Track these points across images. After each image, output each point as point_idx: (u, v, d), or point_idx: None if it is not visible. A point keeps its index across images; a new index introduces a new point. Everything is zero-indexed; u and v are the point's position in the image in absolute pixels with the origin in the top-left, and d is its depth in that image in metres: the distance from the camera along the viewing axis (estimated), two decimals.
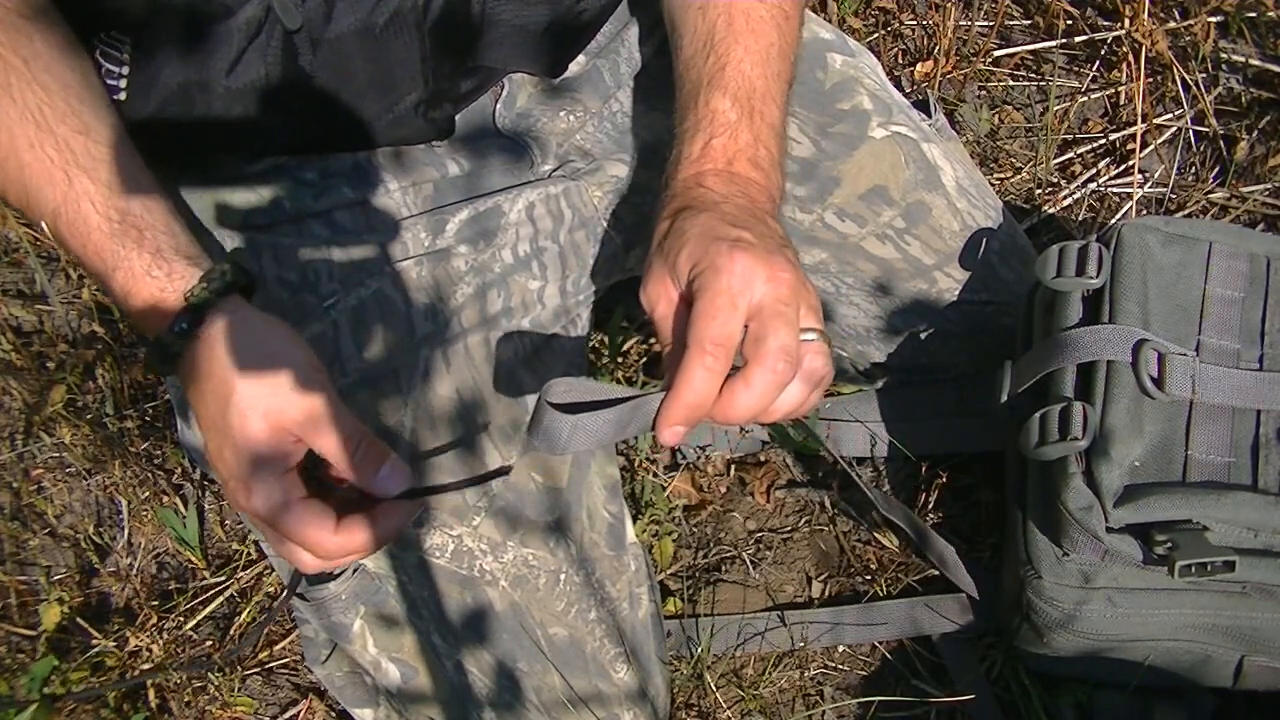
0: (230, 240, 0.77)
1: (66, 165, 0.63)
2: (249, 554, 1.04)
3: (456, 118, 0.80)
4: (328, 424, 0.61)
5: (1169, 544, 0.74)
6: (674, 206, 0.67)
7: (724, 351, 0.59)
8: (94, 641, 0.98)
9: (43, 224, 0.64)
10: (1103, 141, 1.26)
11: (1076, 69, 1.32)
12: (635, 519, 0.99)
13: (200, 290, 0.62)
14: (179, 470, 1.09)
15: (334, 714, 0.96)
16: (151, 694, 0.95)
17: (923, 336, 0.97)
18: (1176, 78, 1.24)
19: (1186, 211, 1.21)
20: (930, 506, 1.01)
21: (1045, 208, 1.22)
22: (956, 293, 0.95)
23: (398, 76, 0.73)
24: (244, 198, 0.77)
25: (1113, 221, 1.20)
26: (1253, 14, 1.27)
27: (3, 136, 0.63)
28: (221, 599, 1.02)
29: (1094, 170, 1.25)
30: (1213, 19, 1.26)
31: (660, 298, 0.64)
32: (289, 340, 0.63)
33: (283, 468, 0.61)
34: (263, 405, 0.60)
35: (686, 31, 0.75)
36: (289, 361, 0.61)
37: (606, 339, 1.09)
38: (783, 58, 0.74)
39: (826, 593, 1.01)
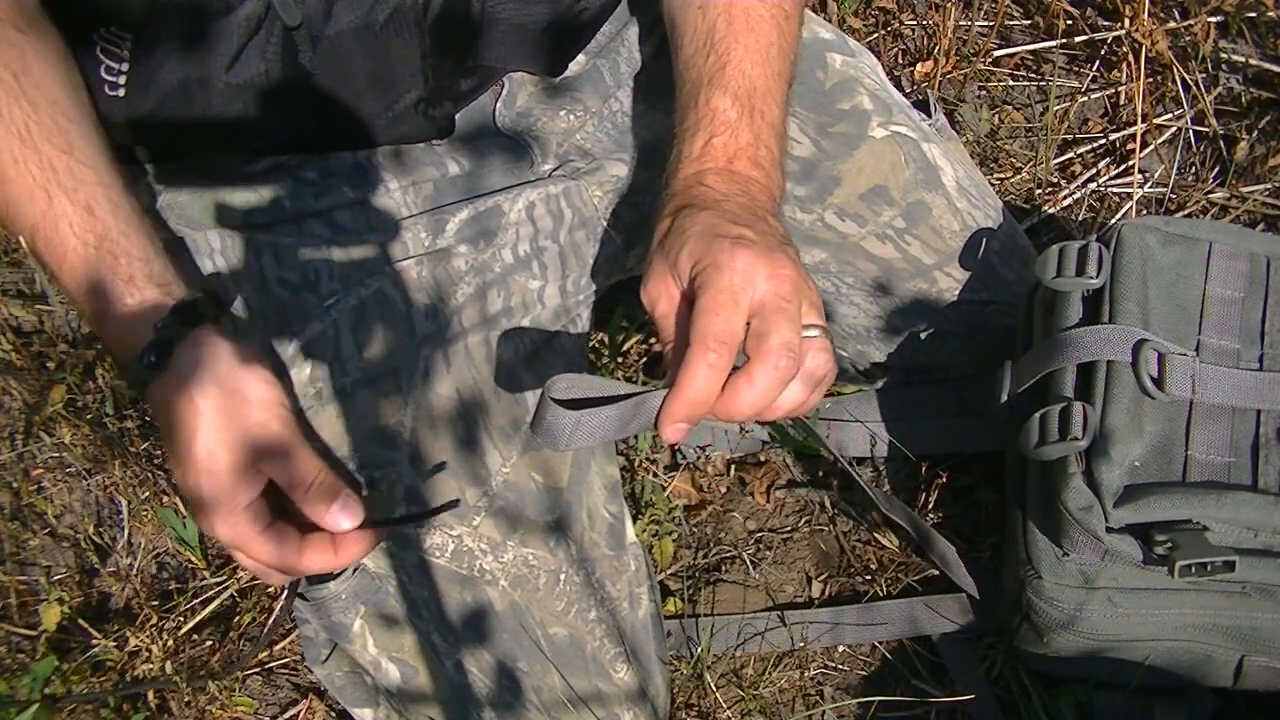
0: (231, 240, 0.77)
1: (48, 184, 0.63)
2: None
3: (456, 117, 0.80)
4: (286, 460, 0.63)
5: (1169, 544, 0.74)
6: (675, 205, 0.67)
7: (727, 348, 0.59)
8: (94, 641, 0.98)
9: (20, 239, 0.64)
10: (1103, 141, 1.26)
11: (1076, 69, 1.32)
12: (635, 519, 0.99)
13: (170, 323, 0.63)
14: None
15: (334, 714, 0.96)
16: (151, 694, 0.95)
17: (923, 336, 0.97)
18: (1176, 78, 1.24)
19: (1186, 211, 1.20)
20: (930, 506, 1.01)
21: (1045, 208, 1.22)
22: (956, 293, 0.95)
23: (398, 74, 0.73)
24: (244, 197, 0.77)
25: (1113, 221, 1.20)
26: (1253, 14, 1.27)
27: None
28: (221, 599, 1.02)
29: (1094, 170, 1.25)
30: (1213, 19, 1.26)
31: (661, 296, 0.64)
32: (254, 375, 0.64)
33: (246, 499, 0.62)
34: (224, 440, 0.62)
35: (686, 31, 0.75)
36: (252, 397, 0.63)
37: (606, 339, 1.09)
38: (783, 57, 0.74)
39: (826, 593, 1.01)
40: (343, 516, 0.64)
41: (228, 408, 0.62)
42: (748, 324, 0.60)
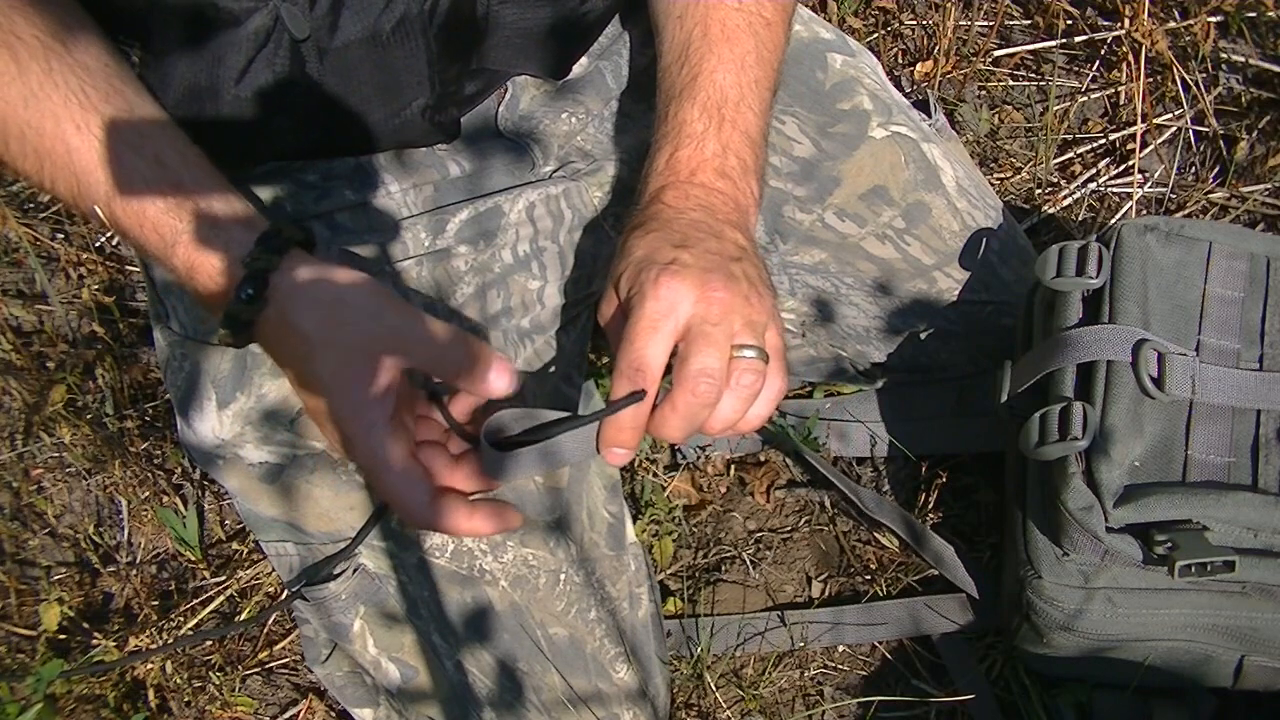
0: None
1: (115, 144, 0.62)
2: (249, 554, 1.04)
3: (461, 120, 0.80)
4: (417, 342, 0.61)
5: (1169, 544, 0.74)
6: (634, 223, 0.68)
7: (641, 375, 0.60)
8: (94, 641, 0.98)
9: (96, 210, 0.63)
10: (1103, 141, 1.26)
11: (1076, 69, 1.32)
12: (635, 519, 0.99)
13: (259, 253, 0.61)
14: (179, 470, 1.09)
15: (334, 714, 0.96)
16: (151, 694, 0.96)
17: (923, 336, 0.97)
18: (1176, 78, 1.24)
19: (1186, 211, 1.21)
20: (930, 506, 1.01)
21: (1045, 208, 1.22)
22: (956, 293, 0.95)
23: (404, 82, 0.73)
24: None
25: (1113, 221, 1.20)
26: (1253, 14, 1.27)
27: (48, 124, 0.61)
28: (222, 599, 1.02)
29: (1094, 170, 1.25)
30: (1213, 19, 1.26)
31: (609, 314, 0.66)
32: (354, 281, 0.62)
33: (384, 413, 0.60)
34: (340, 355, 0.60)
35: (665, 41, 0.75)
36: (358, 302, 0.61)
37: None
38: (761, 64, 0.74)
39: (826, 593, 1.01)
40: (501, 381, 0.61)
41: (335, 321, 0.60)
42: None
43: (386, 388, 0.60)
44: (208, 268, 0.62)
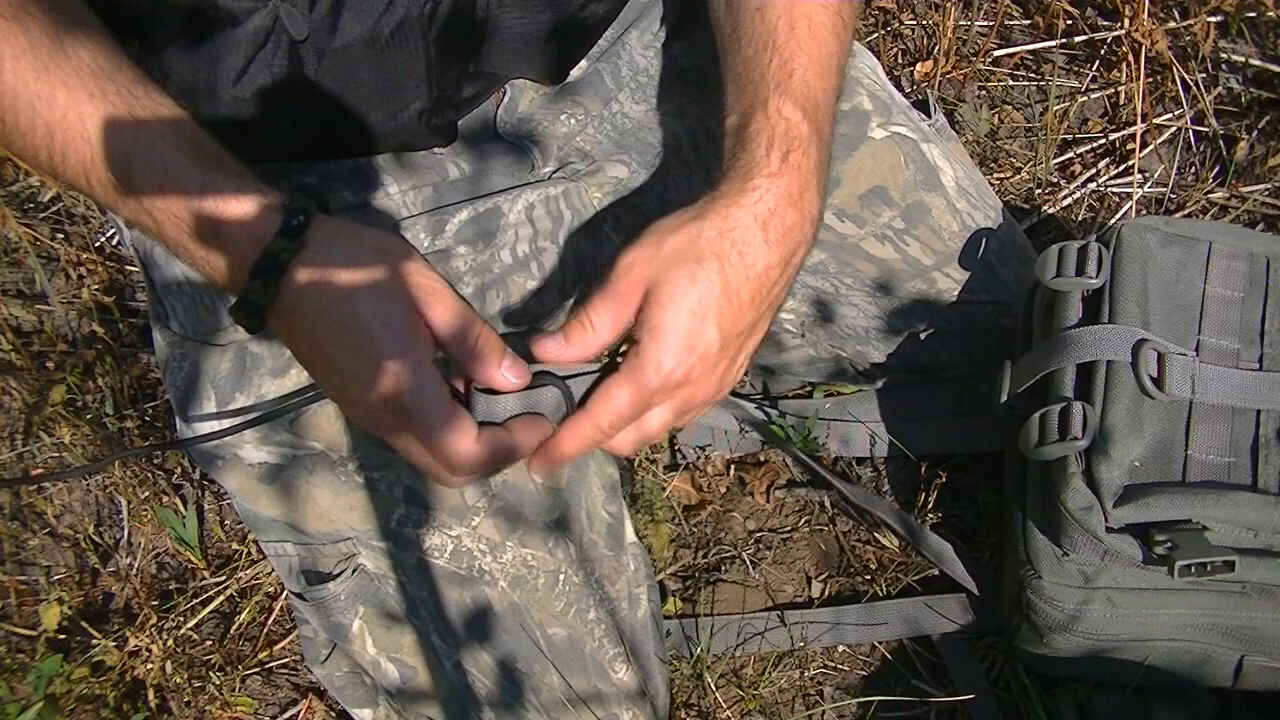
0: None
1: (132, 110, 0.61)
2: (249, 554, 1.04)
3: (458, 123, 0.80)
4: (448, 312, 0.60)
5: (1169, 544, 0.74)
6: (715, 211, 0.64)
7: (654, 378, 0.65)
8: (94, 641, 0.99)
9: (111, 179, 0.61)
10: (1103, 141, 1.26)
11: (1076, 69, 1.32)
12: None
13: (298, 199, 0.61)
14: (179, 470, 1.09)
15: (334, 714, 0.96)
16: (151, 694, 0.96)
17: (923, 336, 0.97)
18: (1176, 78, 1.24)
19: (1186, 211, 1.20)
20: (930, 506, 1.01)
21: (1045, 208, 1.22)
22: (956, 293, 0.95)
23: (403, 85, 0.73)
24: None
25: (1113, 221, 1.20)
26: (1253, 14, 1.27)
27: (60, 94, 0.60)
28: (222, 599, 1.02)
29: (1094, 170, 1.25)
30: (1213, 19, 1.26)
31: (631, 268, 0.65)
32: (390, 236, 0.62)
33: (428, 353, 0.60)
34: (388, 292, 0.59)
35: (744, 34, 0.71)
36: (397, 249, 0.61)
37: None
38: (840, 72, 0.71)
39: (826, 593, 1.01)
40: (513, 372, 0.62)
41: (380, 263, 0.60)
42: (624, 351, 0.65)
43: (426, 340, 0.60)
44: (240, 215, 0.60)
